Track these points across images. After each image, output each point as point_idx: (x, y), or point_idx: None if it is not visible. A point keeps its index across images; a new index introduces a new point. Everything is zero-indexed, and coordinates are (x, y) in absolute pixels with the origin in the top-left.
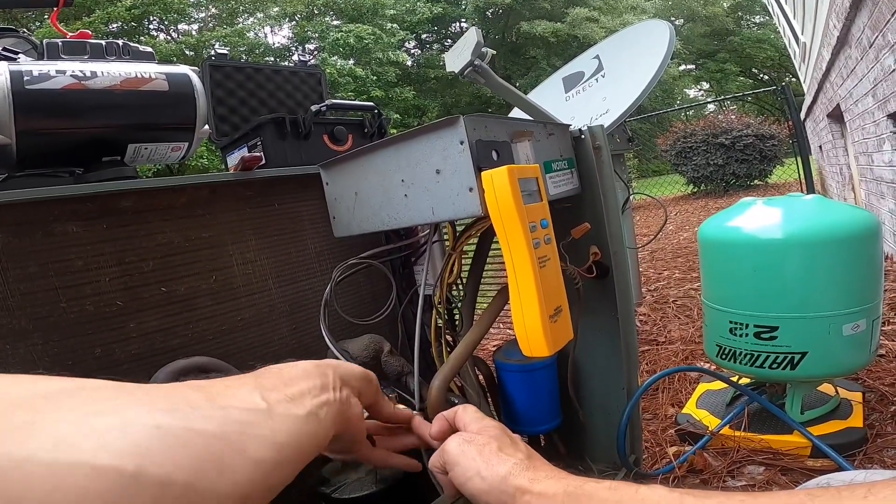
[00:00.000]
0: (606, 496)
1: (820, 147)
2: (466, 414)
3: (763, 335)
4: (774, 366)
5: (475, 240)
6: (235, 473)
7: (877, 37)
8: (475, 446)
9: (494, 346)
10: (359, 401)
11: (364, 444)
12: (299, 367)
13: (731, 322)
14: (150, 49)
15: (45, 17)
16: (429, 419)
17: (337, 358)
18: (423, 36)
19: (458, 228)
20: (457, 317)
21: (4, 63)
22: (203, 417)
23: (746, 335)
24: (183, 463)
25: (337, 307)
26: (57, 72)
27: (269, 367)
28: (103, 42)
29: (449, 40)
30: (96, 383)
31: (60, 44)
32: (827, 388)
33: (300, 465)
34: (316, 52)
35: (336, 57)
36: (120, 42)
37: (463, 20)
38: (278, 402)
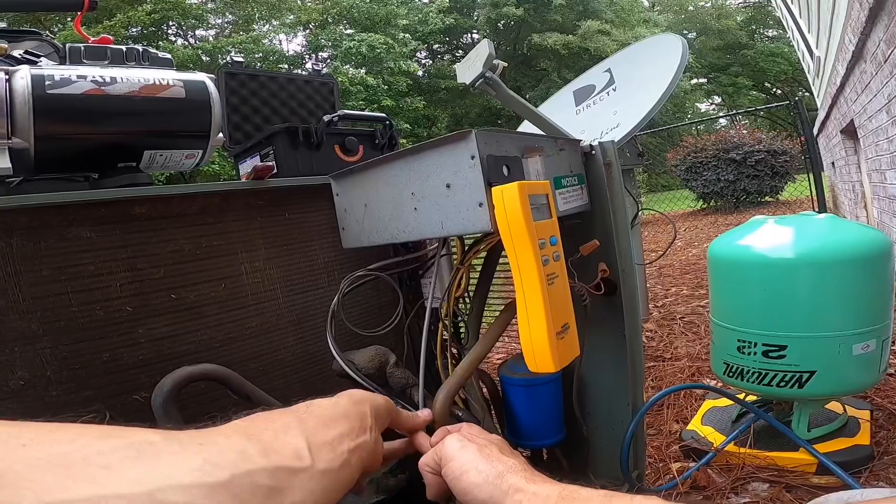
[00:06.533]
0: (601, 502)
1: (832, 164)
2: (472, 429)
3: (771, 354)
4: (782, 384)
5: (483, 254)
6: None
7: (892, 52)
8: (476, 445)
9: (499, 360)
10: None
11: None
12: (340, 406)
13: (739, 340)
14: (168, 55)
15: (69, 19)
16: (431, 433)
17: (341, 366)
18: (435, 46)
19: (467, 242)
20: (463, 330)
21: (26, 67)
22: (253, 488)
23: (755, 353)
24: None
25: (344, 318)
26: (78, 77)
27: (313, 403)
28: (123, 48)
29: (460, 51)
30: (149, 441)
31: (83, 48)
32: (835, 405)
33: None
34: (329, 61)
35: (348, 65)
36: (139, 48)
37: (475, 31)
38: (319, 449)
